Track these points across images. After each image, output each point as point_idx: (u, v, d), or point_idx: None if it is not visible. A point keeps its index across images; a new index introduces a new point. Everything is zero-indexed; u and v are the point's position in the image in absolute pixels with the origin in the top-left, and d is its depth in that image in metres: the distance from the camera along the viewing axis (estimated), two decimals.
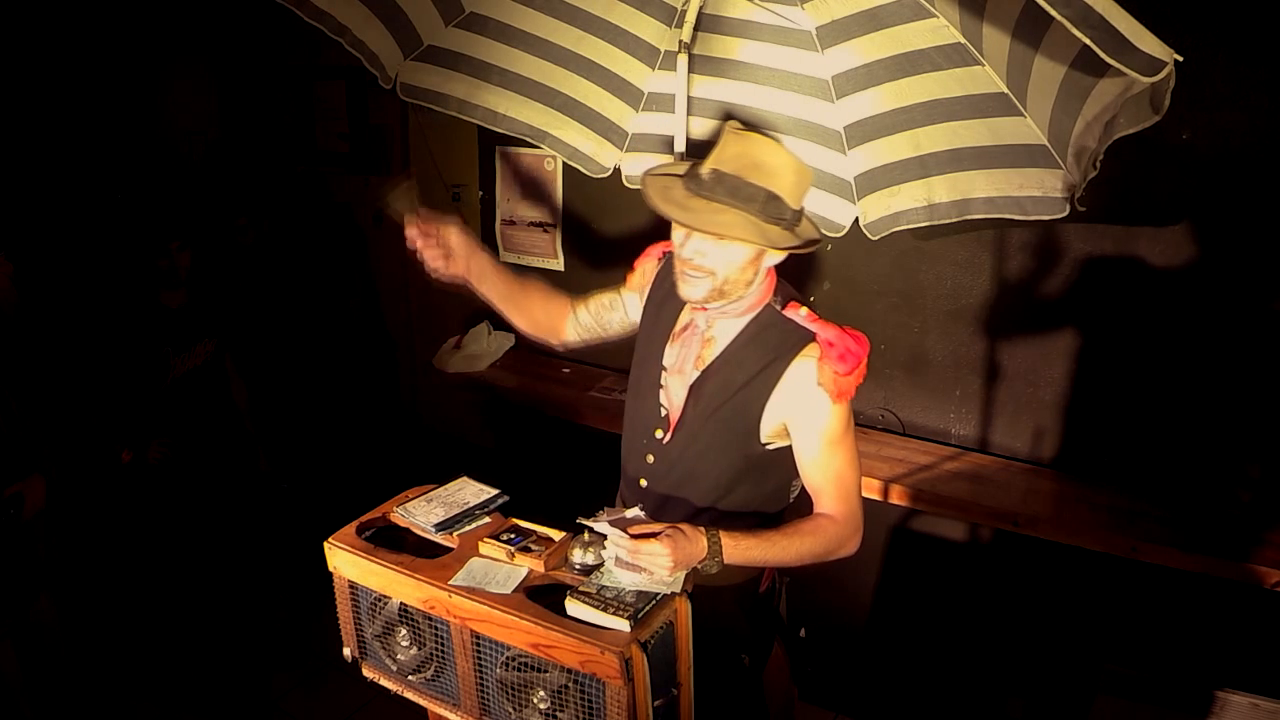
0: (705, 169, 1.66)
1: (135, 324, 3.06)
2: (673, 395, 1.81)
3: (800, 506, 1.81)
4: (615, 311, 2.05)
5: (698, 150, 2.53)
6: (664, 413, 1.82)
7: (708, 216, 1.62)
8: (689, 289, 1.70)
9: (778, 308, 1.76)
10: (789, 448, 1.76)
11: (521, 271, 2.10)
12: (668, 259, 1.90)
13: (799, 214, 1.71)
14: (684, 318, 1.84)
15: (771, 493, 1.84)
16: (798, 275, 3.02)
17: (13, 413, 2.50)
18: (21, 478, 2.46)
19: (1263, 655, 2.51)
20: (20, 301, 2.60)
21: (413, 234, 1.83)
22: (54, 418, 2.74)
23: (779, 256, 1.72)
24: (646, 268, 2.01)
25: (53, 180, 3.76)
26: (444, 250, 1.85)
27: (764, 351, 1.73)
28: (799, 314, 1.74)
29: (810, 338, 1.71)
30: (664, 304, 1.88)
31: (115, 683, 3.15)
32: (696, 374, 1.78)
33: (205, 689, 3.16)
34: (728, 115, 2.55)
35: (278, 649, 3.38)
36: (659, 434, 1.83)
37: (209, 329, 3.22)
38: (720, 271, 1.67)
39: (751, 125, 1.75)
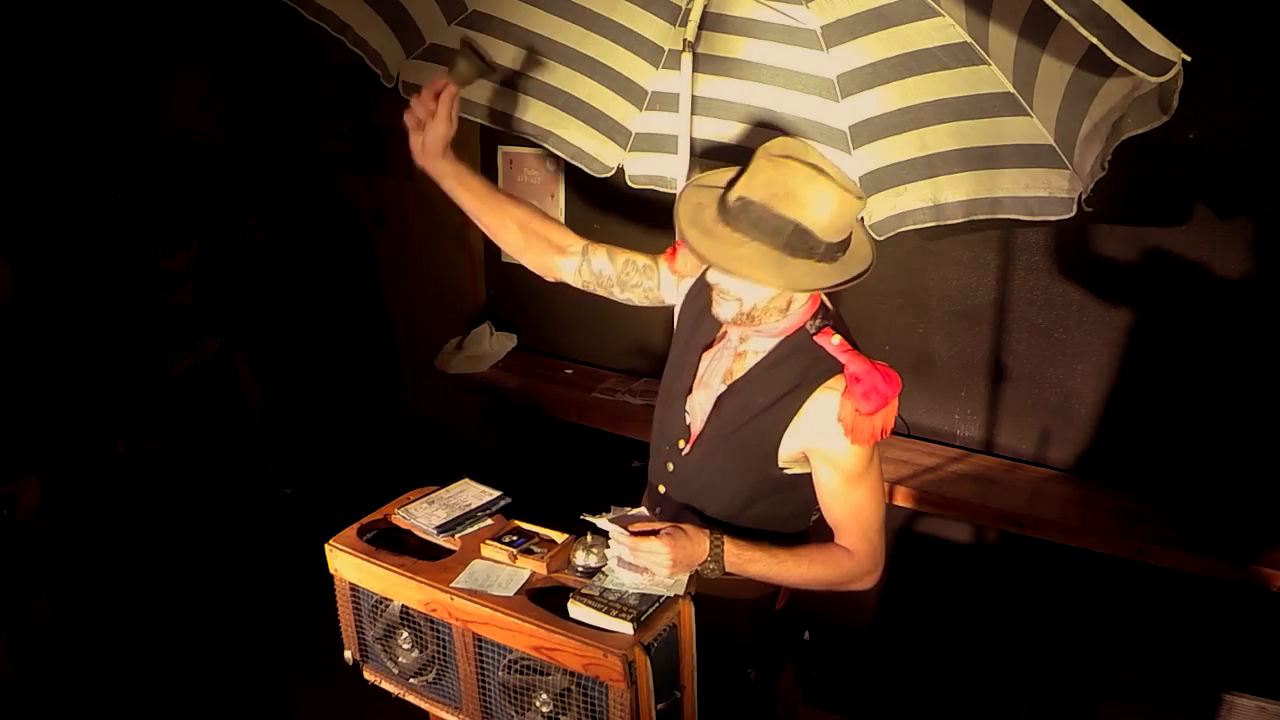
0: (733, 195, 1.56)
1: (129, 321, 3.07)
2: (697, 407, 1.76)
3: (822, 530, 1.76)
4: (648, 279, 1.90)
5: (699, 150, 2.52)
6: (687, 421, 1.79)
7: (727, 249, 1.53)
8: (719, 309, 1.64)
9: (811, 332, 1.66)
10: (810, 474, 1.70)
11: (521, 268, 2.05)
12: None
13: (840, 245, 1.57)
14: (721, 328, 1.78)
15: (791, 514, 1.78)
16: None
17: (9, 414, 2.49)
18: (15, 479, 2.46)
19: (1270, 658, 2.49)
20: (18, 303, 2.59)
21: (416, 98, 1.75)
22: (50, 417, 2.73)
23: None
24: (691, 257, 1.85)
25: (50, 181, 3.75)
26: (421, 137, 1.77)
27: (789, 377, 1.66)
28: (830, 341, 1.63)
29: (837, 369, 1.62)
30: (704, 314, 1.79)
31: (115, 685, 3.13)
32: (723, 388, 1.73)
33: (206, 691, 3.15)
34: (733, 115, 2.54)
35: (279, 651, 3.36)
36: (681, 445, 1.80)
37: (213, 327, 3.21)
38: (747, 299, 1.59)
39: (802, 149, 1.58)
